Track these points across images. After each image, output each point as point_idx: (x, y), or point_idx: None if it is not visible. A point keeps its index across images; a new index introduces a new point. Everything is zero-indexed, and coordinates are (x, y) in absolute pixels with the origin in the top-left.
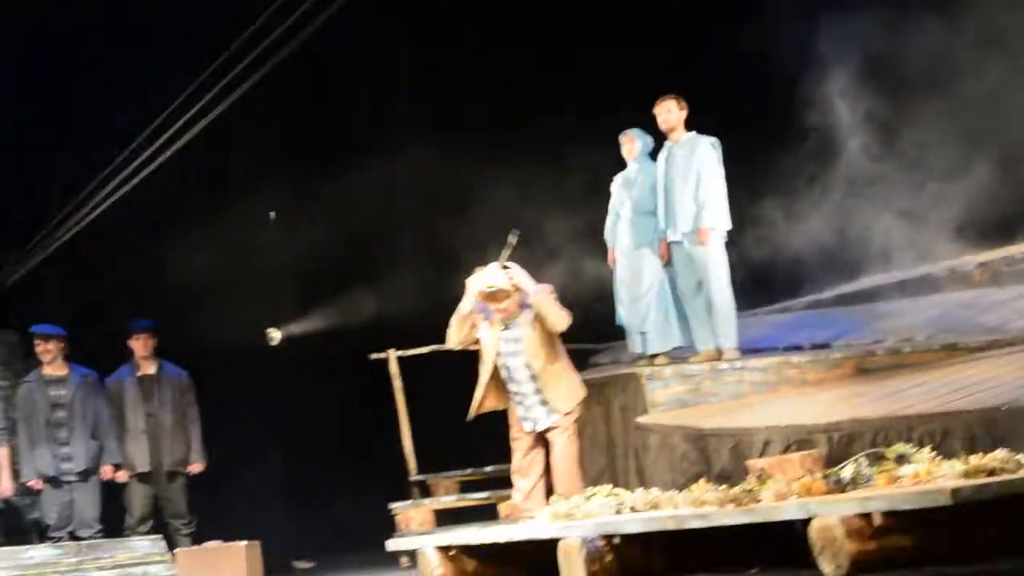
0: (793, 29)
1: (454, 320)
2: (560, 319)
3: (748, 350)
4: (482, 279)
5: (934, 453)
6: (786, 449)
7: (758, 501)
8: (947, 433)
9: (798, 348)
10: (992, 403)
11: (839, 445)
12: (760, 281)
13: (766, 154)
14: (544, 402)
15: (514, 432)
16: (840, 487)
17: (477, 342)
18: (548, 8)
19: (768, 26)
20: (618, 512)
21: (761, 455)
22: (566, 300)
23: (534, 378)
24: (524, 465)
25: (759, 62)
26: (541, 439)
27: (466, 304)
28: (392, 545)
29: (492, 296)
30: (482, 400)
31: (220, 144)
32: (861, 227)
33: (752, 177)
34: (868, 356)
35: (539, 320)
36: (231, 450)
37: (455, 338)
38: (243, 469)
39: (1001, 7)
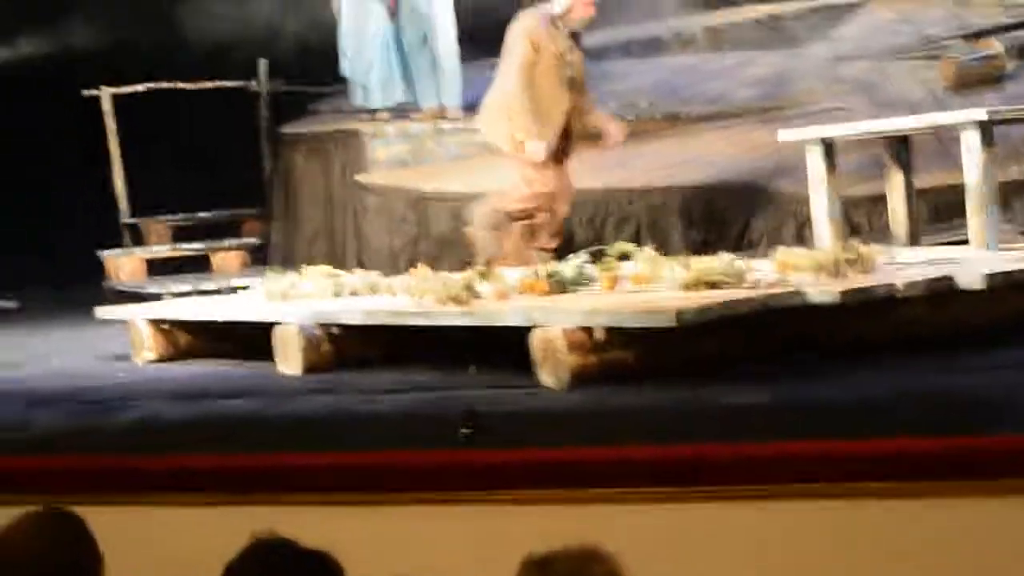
0: None
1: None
2: None
3: (473, 107)
4: None
5: (655, 252)
6: None
7: (479, 298)
8: (665, 208)
9: None
10: (710, 180)
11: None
12: (489, 30)
13: None
14: None
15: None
16: (561, 287)
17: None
18: None
19: None
20: (336, 295)
21: None
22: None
23: None
24: None
25: None
26: None
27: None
28: (102, 314)
29: None
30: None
31: None
32: None
33: None
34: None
35: None
36: None
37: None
38: None
39: None
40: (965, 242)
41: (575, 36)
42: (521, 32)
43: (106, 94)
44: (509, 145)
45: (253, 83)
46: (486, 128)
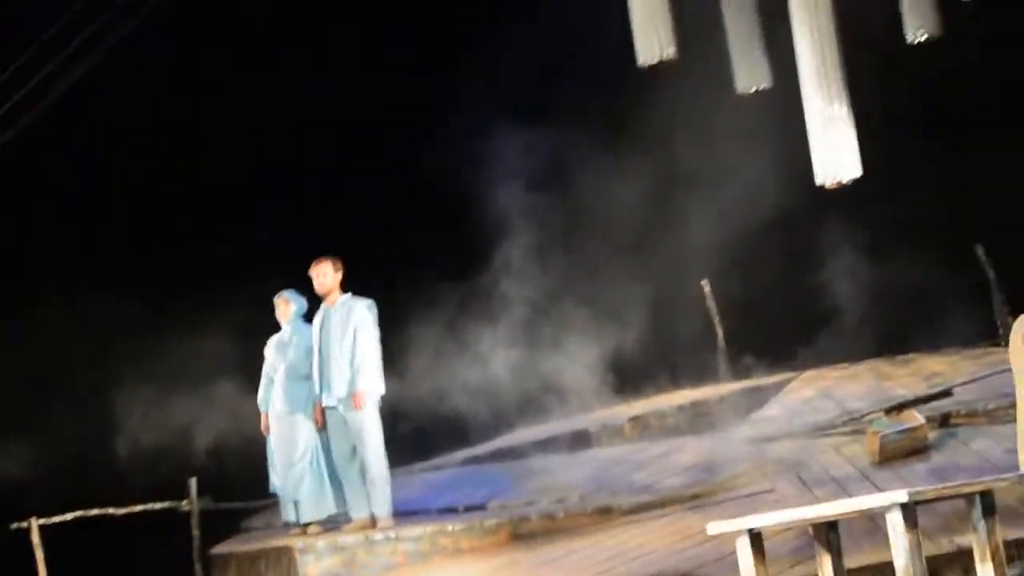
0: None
1: None
2: None
3: (403, 512)
4: None
5: None
6: None
7: None
8: None
9: (453, 510)
10: (645, 573)
11: None
12: (416, 437)
13: (422, 302)
14: None
15: None
16: None
17: None
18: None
19: None
20: None
21: None
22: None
23: None
24: None
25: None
26: None
27: None
28: None
29: None
30: None
31: None
32: (518, 378)
33: (407, 329)
34: (522, 521)
35: None
36: None
37: None
38: None
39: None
40: None
41: None
42: None
43: (34, 526)
44: None
45: (184, 503)
46: None
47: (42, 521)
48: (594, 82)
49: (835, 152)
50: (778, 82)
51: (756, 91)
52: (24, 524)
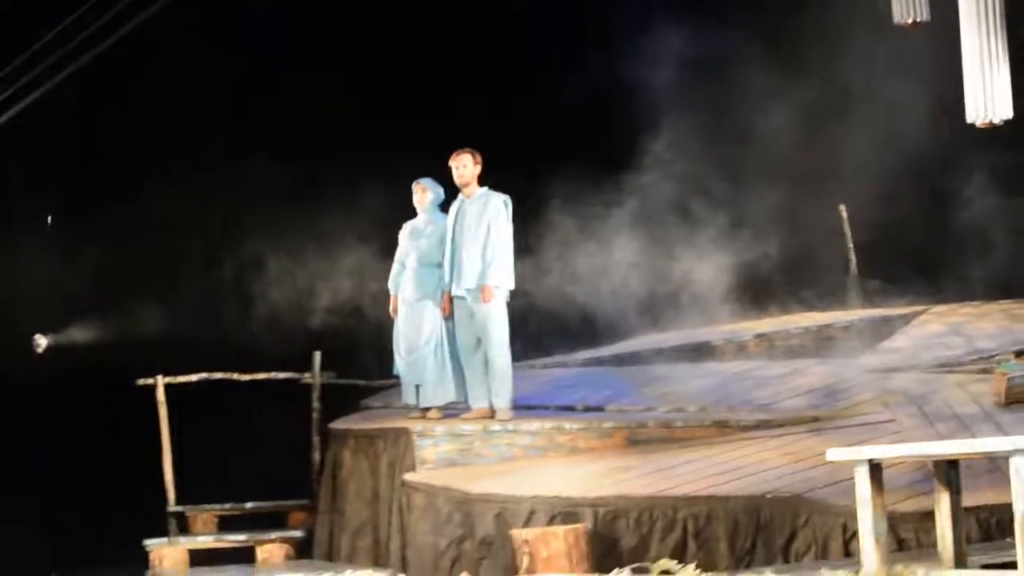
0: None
1: None
2: None
3: (522, 407)
4: None
5: (697, 571)
6: (551, 521)
7: None
8: (711, 517)
9: (571, 409)
10: (757, 489)
11: (604, 520)
12: (541, 334)
13: (555, 203)
14: None
15: None
16: None
17: None
18: (358, 45)
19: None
20: None
21: (526, 524)
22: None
23: None
24: None
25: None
26: None
27: None
28: None
29: None
30: None
31: None
32: (647, 282)
33: (541, 226)
34: (639, 427)
35: None
36: None
37: None
38: None
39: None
40: (1014, 565)
41: None
42: None
43: (160, 383)
44: None
45: (306, 375)
46: None
47: (167, 380)
48: None
49: (989, 91)
50: (936, 15)
51: (914, 23)
52: (150, 381)
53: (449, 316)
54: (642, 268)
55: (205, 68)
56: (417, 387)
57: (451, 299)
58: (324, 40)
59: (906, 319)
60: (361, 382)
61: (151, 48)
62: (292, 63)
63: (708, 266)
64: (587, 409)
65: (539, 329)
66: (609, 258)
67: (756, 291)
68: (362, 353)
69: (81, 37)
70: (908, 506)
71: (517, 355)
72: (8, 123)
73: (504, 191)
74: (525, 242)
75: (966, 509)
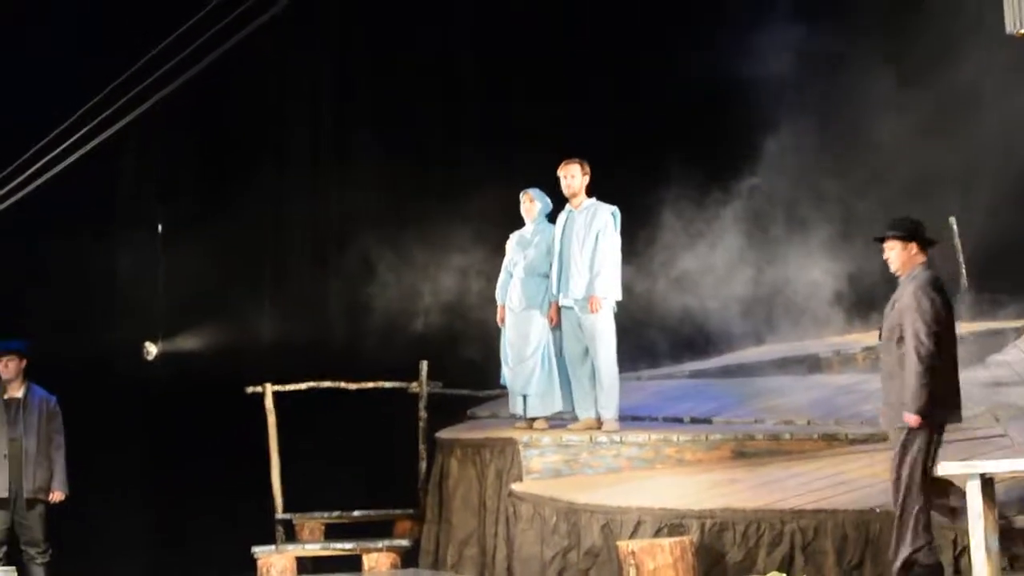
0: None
1: None
2: None
3: (628, 417)
4: None
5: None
6: (657, 532)
7: None
8: (819, 531)
9: (678, 420)
10: (865, 503)
11: (710, 533)
12: (646, 344)
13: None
14: None
15: None
16: None
17: None
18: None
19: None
20: None
21: (632, 536)
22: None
23: None
24: None
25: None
26: None
27: None
28: None
29: None
30: None
31: (108, 155)
32: (753, 297)
33: (649, 237)
34: (747, 440)
35: None
36: (94, 476)
37: None
38: (104, 498)
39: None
40: None
41: None
42: None
43: (268, 391)
44: None
45: (413, 384)
46: None
47: (276, 388)
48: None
49: None
50: None
51: None
52: (259, 389)
53: (556, 326)
54: (749, 282)
55: (316, 69)
56: (524, 397)
57: (558, 309)
58: (438, 40)
59: (1018, 332)
60: (468, 392)
61: (263, 50)
62: (405, 62)
63: (814, 280)
64: (694, 421)
65: (645, 341)
66: (715, 266)
67: (863, 303)
68: (468, 363)
69: (195, 44)
70: (1021, 522)
71: (624, 366)
72: (120, 131)
73: (614, 198)
74: (630, 254)
75: None
